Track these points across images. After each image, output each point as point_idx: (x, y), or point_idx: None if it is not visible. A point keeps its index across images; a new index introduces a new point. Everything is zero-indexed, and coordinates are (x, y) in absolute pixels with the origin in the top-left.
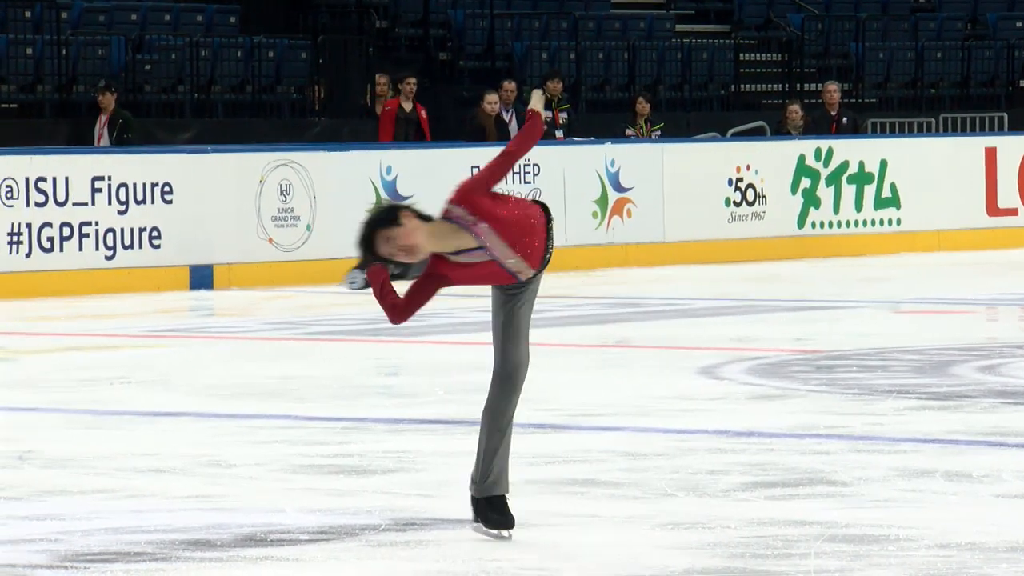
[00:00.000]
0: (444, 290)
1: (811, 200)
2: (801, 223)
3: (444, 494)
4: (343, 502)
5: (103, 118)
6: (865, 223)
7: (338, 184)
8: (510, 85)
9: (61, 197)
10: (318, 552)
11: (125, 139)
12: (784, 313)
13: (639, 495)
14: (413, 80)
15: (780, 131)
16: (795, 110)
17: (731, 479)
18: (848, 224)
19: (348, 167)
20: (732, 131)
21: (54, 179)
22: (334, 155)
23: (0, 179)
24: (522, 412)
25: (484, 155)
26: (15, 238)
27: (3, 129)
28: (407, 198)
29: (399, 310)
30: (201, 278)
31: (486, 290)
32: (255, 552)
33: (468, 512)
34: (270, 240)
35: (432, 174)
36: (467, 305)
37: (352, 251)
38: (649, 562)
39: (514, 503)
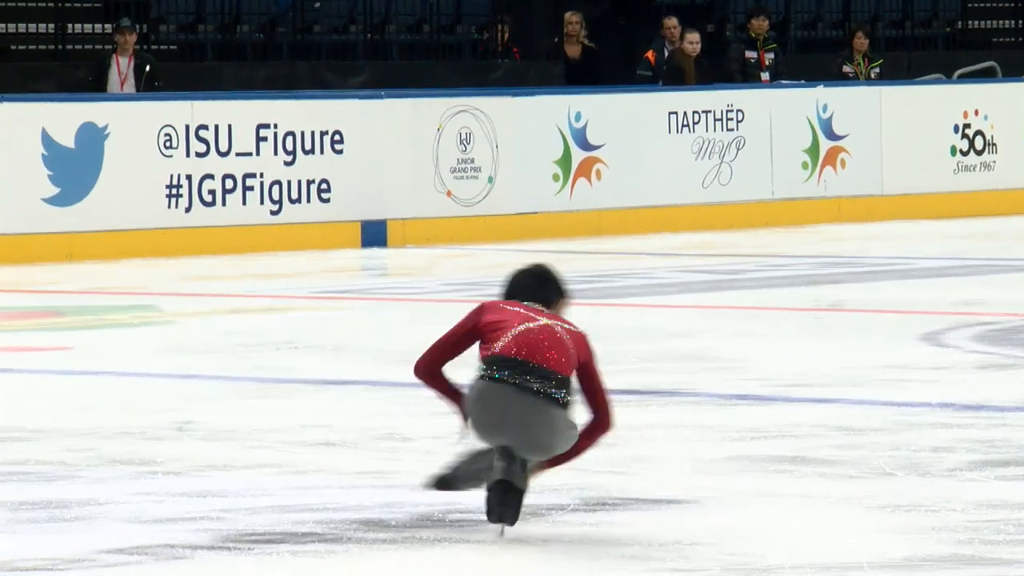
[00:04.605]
0: (647, 244)
1: None
2: None
3: (637, 471)
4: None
5: (123, 61)
6: None
7: (523, 132)
8: (671, 22)
9: (223, 147)
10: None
11: (156, 87)
12: (1016, 274)
13: (854, 474)
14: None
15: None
16: None
17: (957, 457)
18: None
19: (534, 114)
20: (959, 72)
21: (216, 127)
22: (519, 100)
23: (158, 127)
24: (725, 382)
25: (682, 101)
26: (174, 191)
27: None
28: (598, 147)
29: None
30: (374, 235)
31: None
32: (433, 533)
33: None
34: (448, 193)
35: (627, 121)
36: (666, 264)
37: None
38: (865, 548)
39: (716, 481)
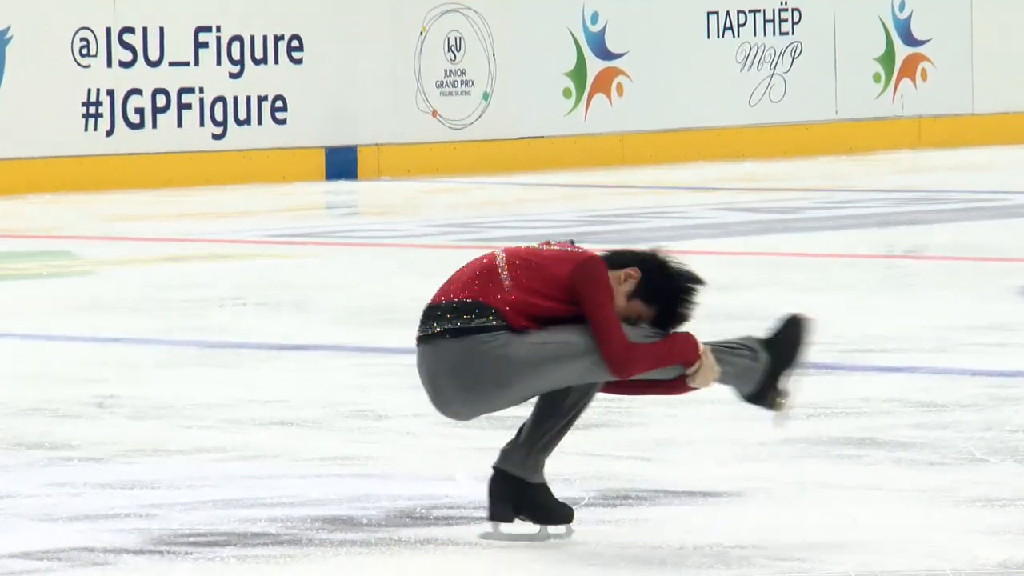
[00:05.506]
0: (680, 176)
1: None
2: None
3: (668, 457)
4: None
5: None
6: None
7: (526, 37)
8: None
9: (154, 55)
10: (498, 534)
11: None
12: None
13: (936, 460)
14: None
15: None
16: None
17: None
18: None
19: (540, 14)
20: None
21: (144, 30)
22: None
23: (73, 30)
24: None
25: (724, 1)
26: (93, 110)
27: None
28: (620, 56)
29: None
30: (341, 164)
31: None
32: (413, 533)
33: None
34: (434, 113)
35: (655, 24)
36: (703, 201)
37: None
38: (950, 551)
39: (765, 469)
